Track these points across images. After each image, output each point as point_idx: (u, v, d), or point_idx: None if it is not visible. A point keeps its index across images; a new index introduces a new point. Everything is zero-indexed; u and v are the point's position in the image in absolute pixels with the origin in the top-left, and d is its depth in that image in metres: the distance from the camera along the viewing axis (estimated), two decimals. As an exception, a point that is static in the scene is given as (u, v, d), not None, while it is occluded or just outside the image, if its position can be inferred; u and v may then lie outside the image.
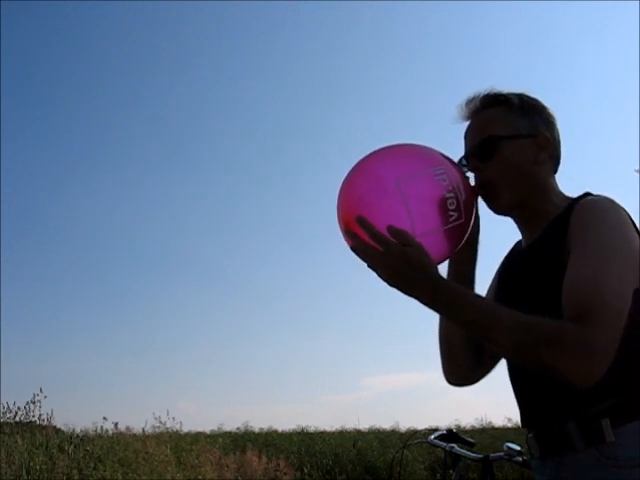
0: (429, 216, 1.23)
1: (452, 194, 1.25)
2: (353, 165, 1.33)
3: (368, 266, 1.17)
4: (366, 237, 1.16)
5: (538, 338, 1.08)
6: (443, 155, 1.32)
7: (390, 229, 1.14)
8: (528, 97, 1.38)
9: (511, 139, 1.32)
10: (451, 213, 1.24)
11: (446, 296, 1.14)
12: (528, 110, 1.35)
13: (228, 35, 25.83)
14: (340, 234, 1.26)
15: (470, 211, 1.32)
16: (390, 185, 1.22)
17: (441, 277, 1.15)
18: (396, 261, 1.12)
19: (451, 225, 1.25)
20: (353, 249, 1.19)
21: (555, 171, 1.38)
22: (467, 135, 1.40)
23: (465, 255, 1.39)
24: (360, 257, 1.18)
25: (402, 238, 1.13)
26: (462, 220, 1.27)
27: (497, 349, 1.23)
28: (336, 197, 1.31)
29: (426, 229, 1.21)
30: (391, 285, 1.15)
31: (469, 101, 1.39)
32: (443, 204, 1.23)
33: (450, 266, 1.41)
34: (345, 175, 1.33)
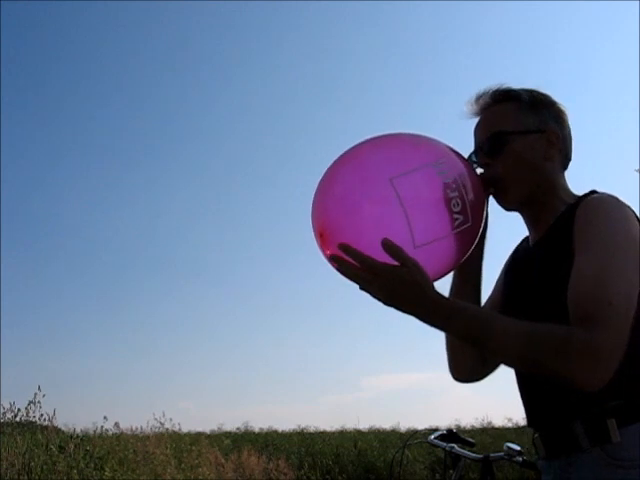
0: (431, 222, 1.08)
1: (456, 193, 1.10)
2: (335, 159, 1.12)
3: (360, 288, 1.12)
4: (352, 261, 1.08)
5: (544, 348, 1.06)
6: (446, 145, 1.21)
7: (385, 244, 1.06)
8: (538, 92, 1.36)
9: (520, 134, 1.31)
10: (456, 216, 1.10)
11: (444, 314, 1.11)
12: (537, 105, 1.34)
13: (228, 36, 25.85)
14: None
15: (478, 212, 1.18)
16: (383, 185, 1.04)
17: (438, 295, 1.12)
18: (389, 283, 1.08)
19: (456, 231, 1.10)
20: (339, 271, 1.12)
21: (565, 167, 1.37)
22: (477, 131, 1.38)
23: (471, 255, 1.32)
24: (349, 279, 1.12)
25: (397, 256, 1.07)
26: (469, 224, 1.13)
27: (502, 361, 1.23)
28: (314, 197, 1.11)
29: (427, 238, 1.07)
30: (386, 305, 1.12)
31: (479, 97, 1.37)
32: (446, 206, 1.09)
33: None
34: (326, 171, 1.11)
